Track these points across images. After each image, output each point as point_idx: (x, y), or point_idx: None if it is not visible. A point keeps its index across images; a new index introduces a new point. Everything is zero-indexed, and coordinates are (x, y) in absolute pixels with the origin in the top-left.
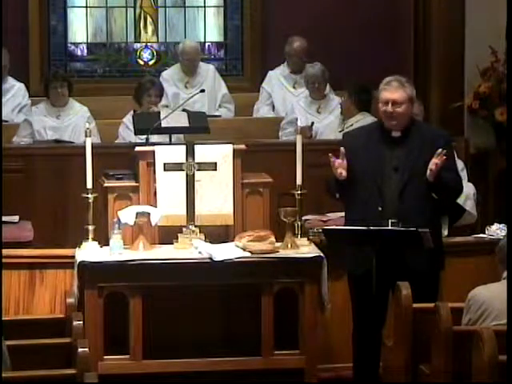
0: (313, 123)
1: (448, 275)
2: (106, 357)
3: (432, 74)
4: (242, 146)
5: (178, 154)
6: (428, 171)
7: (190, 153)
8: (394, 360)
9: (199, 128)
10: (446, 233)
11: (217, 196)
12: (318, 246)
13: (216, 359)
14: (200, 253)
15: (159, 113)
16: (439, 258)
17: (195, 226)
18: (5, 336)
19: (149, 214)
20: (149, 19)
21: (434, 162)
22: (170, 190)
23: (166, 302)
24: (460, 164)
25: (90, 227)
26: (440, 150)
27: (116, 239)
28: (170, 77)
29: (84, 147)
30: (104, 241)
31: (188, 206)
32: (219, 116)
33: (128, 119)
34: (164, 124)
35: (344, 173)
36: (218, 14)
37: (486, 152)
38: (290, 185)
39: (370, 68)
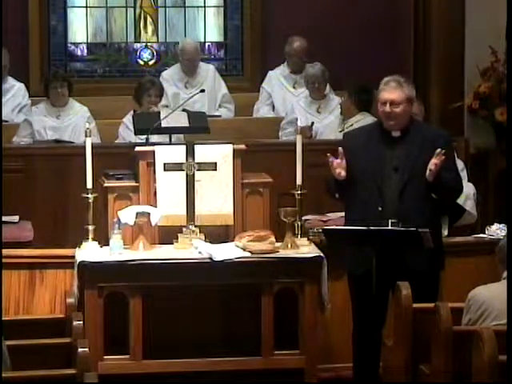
0: (313, 123)
1: (448, 275)
2: (105, 357)
3: (432, 73)
4: (242, 146)
5: (178, 153)
6: (427, 171)
7: (190, 153)
8: (394, 360)
9: (199, 128)
10: (445, 233)
11: (217, 196)
12: (318, 246)
13: (216, 359)
14: (200, 253)
15: (159, 113)
16: (439, 258)
17: (195, 226)
18: (5, 336)
19: (149, 214)
20: (149, 19)
21: (434, 162)
22: (170, 189)
23: (166, 302)
24: (460, 164)
25: (90, 227)
26: (439, 149)
27: (116, 239)
28: (170, 77)
29: (84, 147)
30: (104, 241)
31: (188, 205)
32: (219, 116)
33: (128, 119)
34: (164, 124)
35: (343, 173)
36: (218, 14)
37: (486, 152)
38: (290, 185)
39: (370, 68)
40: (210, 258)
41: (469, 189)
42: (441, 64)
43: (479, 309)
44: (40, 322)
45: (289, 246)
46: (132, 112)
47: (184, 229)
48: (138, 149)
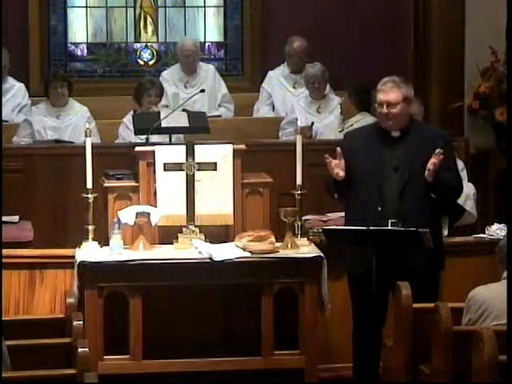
0: (313, 123)
1: (448, 275)
2: (105, 357)
3: (432, 74)
4: (242, 146)
5: (177, 153)
6: (426, 171)
7: (190, 153)
8: (394, 360)
9: (199, 128)
10: (446, 233)
11: (217, 196)
12: (318, 246)
13: (216, 359)
14: (200, 253)
15: (159, 113)
16: (439, 258)
17: (195, 226)
18: (5, 336)
19: (149, 214)
20: (149, 19)
21: (432, 162)
22: (170, 189)
23: (166, 302)
24: (460, 164)
25: (90, 227)
26: (438, 149)
27: (116, 239)
28: (170, 77)
29: (84, 147)
30: (104, 241)
31: (188, 205)
32: (219, 116)
33: (128, 119)
34: (164, 124)
35: (341, 173)
36: (218, 13)
37: (486, 152)
38: (290, 185)
39: (370, 68)
40: (210, 258)
41: (469, 189)
42: (441, 64)
43: (479, 309)
44: (40, 322)
45: (289, 245)
46: (132, 112)
47: (184, 229)
48: (138, 149)
